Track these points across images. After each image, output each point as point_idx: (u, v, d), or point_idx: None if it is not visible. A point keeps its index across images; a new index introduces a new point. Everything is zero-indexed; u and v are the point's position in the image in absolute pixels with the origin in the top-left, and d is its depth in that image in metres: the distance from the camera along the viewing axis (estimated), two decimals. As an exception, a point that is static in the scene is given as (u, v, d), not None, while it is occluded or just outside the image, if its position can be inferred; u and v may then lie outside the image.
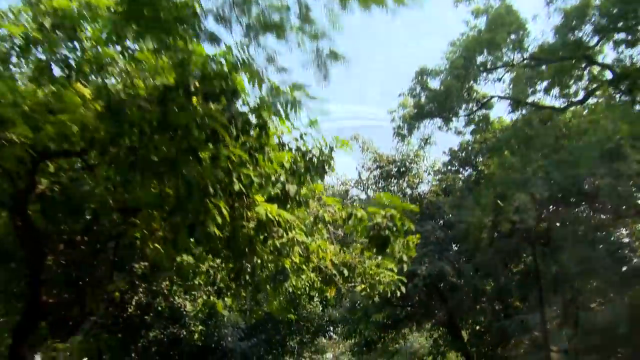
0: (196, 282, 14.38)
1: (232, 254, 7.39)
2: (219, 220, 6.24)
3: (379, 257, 8.51)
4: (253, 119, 6.79)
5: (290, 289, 9.50)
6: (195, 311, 14.34)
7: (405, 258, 8.03)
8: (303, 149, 8.00)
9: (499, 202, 13.86)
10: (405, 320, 25.64)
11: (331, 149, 8.08)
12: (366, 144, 22.31)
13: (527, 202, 13.32)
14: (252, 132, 6.81)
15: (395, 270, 8.65)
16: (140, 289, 15.77)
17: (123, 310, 16.43)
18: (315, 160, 8.12)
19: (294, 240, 7.57)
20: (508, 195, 13.80)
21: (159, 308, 15.09)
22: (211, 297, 12.79)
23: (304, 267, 8.39)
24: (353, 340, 28.78)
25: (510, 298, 19.69)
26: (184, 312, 15.09)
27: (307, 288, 10.01)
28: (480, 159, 24.06)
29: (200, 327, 15.83)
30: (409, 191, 21.65)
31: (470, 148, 24.72)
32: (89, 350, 13.02)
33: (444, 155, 25.93)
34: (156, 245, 9.04)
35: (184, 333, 15.92)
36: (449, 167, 24.94)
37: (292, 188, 7.68)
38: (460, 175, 23.31)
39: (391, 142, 23.66)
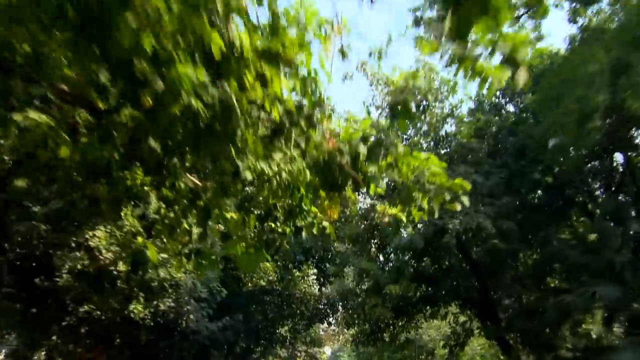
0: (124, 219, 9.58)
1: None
2: None
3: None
4: None
5: (249, 176, 4.66)
6: (115, 256, 9.54)
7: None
8: None
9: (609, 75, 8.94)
10: (420, 304, 20.99)
11: None
12: (376, 74, 17.46)
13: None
14: None
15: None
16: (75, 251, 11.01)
17: (49, 277, 11.69)
18: None
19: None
20: (631, 61, 8.92)
21: (78, 267, 10.32)
22: (138, 238, 8.00)
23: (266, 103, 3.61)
24: (356, 328, 24.02)
25: (566, 267, 14.91)
26: (114, 273, 10.28)
27: (281, 178, 5.15)
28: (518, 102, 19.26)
29: (140, 294, 11.01)
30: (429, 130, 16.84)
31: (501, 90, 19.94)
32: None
33: (469, 102, 21.15)
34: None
35: (128, 307, 11.12)
36: (475, 116, 20.17)
37: None
38: (496, 119, 18.48)
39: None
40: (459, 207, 5.73)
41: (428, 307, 21.91)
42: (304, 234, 7.12)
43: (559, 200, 16.79)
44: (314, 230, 7.10)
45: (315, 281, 21.72)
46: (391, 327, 22.38)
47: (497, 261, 15.10)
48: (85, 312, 12.53)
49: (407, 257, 18.97)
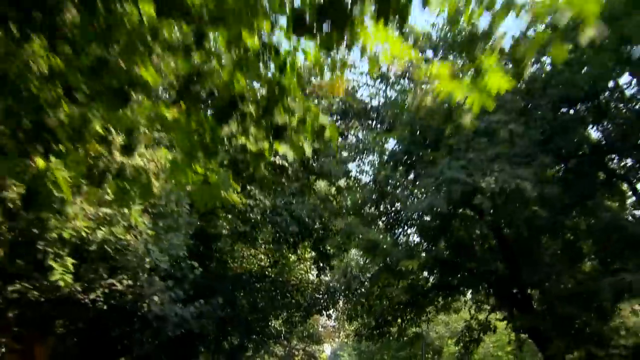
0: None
1: None
2: None
3: None
4: None
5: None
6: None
7: None
8: None
9: None
10: (433, 293, 18.39)
11: None
12: None
13: None
14: None
15: None
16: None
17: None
18: None
19: None
20: None
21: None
22: (37, 160, 5.16)
23: None
24: (359, 320, 21.25)
25: (620, 240, 12.11)
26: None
27: None
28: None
29: (70, 262, 8.20)
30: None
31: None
32: None
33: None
34: None
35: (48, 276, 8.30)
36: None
37: None
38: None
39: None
40: (587, 38, 2.97)
41: (441, 298, 19.38)
42: (289, 151, 4.33)
43: (601, 167, 14.10)
44: (306, 135, 4.32)
45: (313, 266, 18.93)
46: (399, 319, 19.69)
47: (534, 234, 12.34)
48: (15, 291, 9.73)
49: (419, 238, 16.26)
